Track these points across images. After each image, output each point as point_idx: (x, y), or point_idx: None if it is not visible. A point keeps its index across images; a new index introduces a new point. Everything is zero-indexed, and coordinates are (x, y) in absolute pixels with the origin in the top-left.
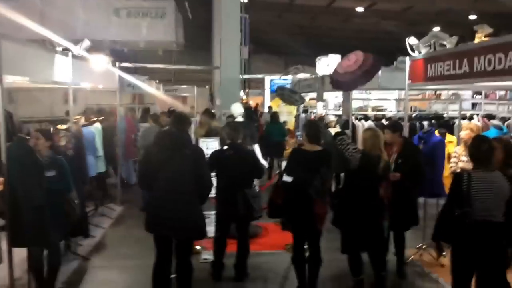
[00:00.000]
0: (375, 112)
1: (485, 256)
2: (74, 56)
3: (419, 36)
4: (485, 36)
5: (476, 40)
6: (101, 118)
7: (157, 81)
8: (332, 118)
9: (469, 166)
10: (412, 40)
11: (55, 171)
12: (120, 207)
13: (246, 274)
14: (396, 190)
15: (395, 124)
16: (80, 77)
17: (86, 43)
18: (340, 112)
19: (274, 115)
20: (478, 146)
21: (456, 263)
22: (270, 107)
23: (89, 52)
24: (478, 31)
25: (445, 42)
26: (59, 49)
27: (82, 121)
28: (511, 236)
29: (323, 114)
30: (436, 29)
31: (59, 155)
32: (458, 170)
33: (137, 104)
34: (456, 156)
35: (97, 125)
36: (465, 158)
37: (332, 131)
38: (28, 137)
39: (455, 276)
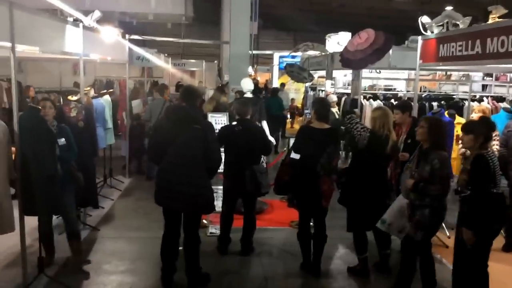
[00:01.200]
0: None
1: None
2: (84, 27)
3: (431, 16)
4: (499, 17)
5: (490, 21)
6: (110, 90)
7: (166, 54)
8: (335, 98)
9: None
10: (424, 19)
11: (64, 139)
12: (128, 179)
13: (251, 249)
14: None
15: (404, 104)
16: (90, 49)
17: (97, 14)
18: (348, 91)
19: (274, 89)
20: (492, 128)
21: (489, 242)
22: (283, 84)
23: (99, 23)
24: (492, 11)
25: (458, 22)
26: (70, 19)
27: (92, 92)
28: None
29: (330, 93)
30: (449, 8)
31: (71, 126)
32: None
33: (146, 77)
34: None
35: (107, 97)
36: None
37: (333, 110)
38: (40, 107)
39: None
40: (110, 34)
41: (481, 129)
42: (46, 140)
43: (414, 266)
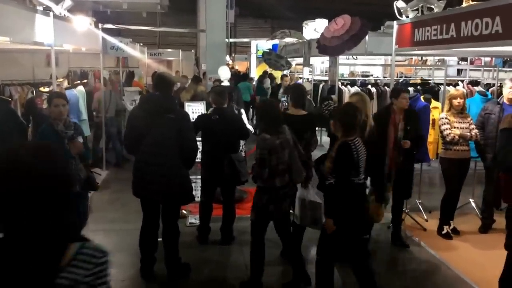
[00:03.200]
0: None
1: None
2: (55, 16)
3: (407, 1)
4: (472, 1)
5: (464, 4)
6: (84, 81)
7: (141, 44)
8: (309, 87)
9: (464, 132)
10: (400, 4)
11: (81, 138)
12: (105, 171)
13: (232, 237)
14: (405, 158)
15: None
16: (62, 38)
17: (68, 2)
18: (326, 78)
19: (245, 75)
20: (353, 116)
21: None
22: (266, 72)
23: (71, 12)
24: None
25: (433, 6)
26: (40, 8)
27: (65, 84)
28: None
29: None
30: None
31: (43, 118)
32: (457, 137)
33: (121, 67)
34: (448, 123)
35: (81, 88)
36: (459, 125)
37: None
38: (10, 99)
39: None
40: (82, 23)
41: (339, 116)
42: (16, 133)
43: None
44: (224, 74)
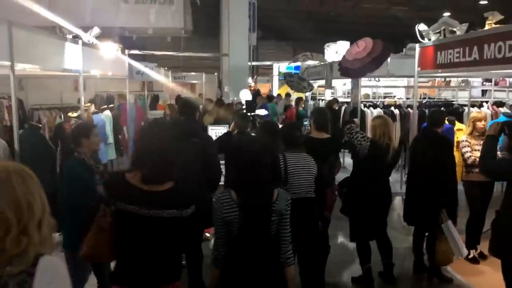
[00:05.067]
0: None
1: None
2: (84, 44)
3: (428, 23)
4: (495, 23)
5: (486, 27)
6: (111, 105)
7: (166, 68)
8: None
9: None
10: (421, 27)
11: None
12: None
13: None
14: None
15: None
16: (90, 65)
17: (96, 30)
18: (348, 99)
19: (269, 96)
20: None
21: None
22: (279, 95)
23: (99, 39)
24: (488, 18)
25: (455, 29)
26: (69, 36)
27: (92, 108)
28: None
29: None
30: (446, 15)
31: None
32: (477, 160)
33: (146, 91)
34: (469, 145)
35: (107, 113)
36: (480, 147)
37: None
38: (40, 125)
39: None
40: (110, 49)
41: (281, 135)
42: (45, 158)
43: None
44: (245, 97)
